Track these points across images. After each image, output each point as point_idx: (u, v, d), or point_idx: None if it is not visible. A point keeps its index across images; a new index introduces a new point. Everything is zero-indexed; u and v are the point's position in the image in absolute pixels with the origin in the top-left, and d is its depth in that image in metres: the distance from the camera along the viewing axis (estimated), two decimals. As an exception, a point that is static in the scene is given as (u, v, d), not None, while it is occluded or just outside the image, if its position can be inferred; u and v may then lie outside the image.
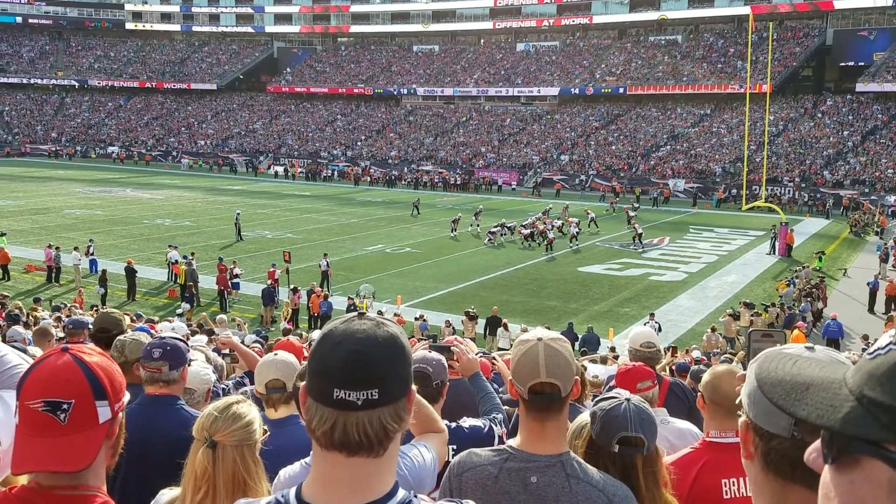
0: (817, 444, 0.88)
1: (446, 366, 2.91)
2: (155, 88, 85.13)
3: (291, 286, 22.31)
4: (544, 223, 34.65)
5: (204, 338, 9.48)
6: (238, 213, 33.82)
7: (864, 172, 49.15)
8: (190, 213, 40.73)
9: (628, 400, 2.23)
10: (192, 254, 25.27)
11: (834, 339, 18.90)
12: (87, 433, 1.54)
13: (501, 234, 33.76)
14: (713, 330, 18.88)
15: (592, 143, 61.72)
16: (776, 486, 1.09)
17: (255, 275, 25.38)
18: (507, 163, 61.37)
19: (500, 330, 19.28)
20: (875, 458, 0.78)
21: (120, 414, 1.65)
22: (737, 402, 1.15)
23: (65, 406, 1.52)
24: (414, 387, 1.31)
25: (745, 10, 59.96)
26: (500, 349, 16.38)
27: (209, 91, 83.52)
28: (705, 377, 2.91)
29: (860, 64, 59.82)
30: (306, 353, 4.56)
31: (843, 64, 62.33)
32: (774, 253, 31.79)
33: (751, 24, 45.64)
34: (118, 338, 3.62)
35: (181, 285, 23.59)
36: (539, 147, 62.76)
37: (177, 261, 24.90)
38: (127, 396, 1.68)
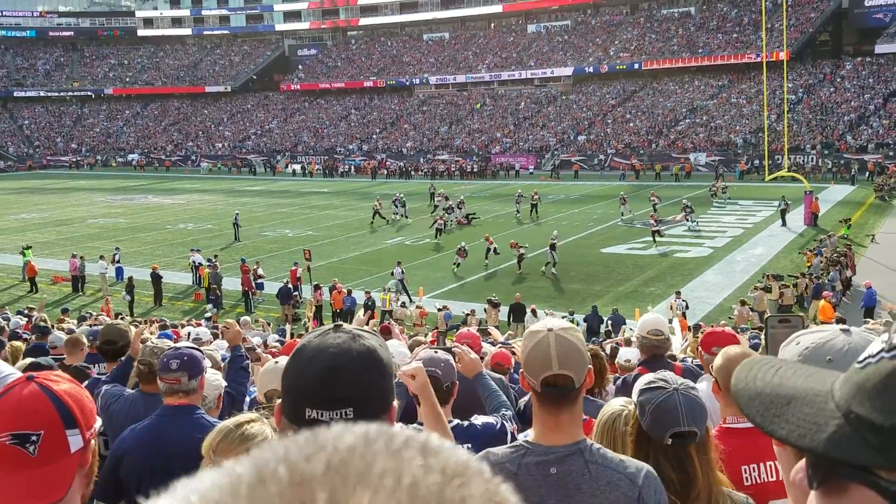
0: (802, 463, 0.77)
1: (454, 366, 2.88)
2: (170, 93, 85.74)
3: (314, 283, 22.39)
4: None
5: (225, 343, 9.50)
6: (237, 214, 33.77)
7: (888, 135, 48.19)
8: (211, 216, 41.02)
9: (677, 390, 2.17)
10: (216, 256, 25.46)
11: (871, 307, 18.62)
12: (59, 464, 1.47)
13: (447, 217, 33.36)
14: (742, 304, 18.65)
15: (610, 121, 61.11)
16: None
17: (277, 274, 25.51)
18: (524, 147, 60.97)
19: (528, 316, 19.18)
20: (864, 485, 0.65)
21: (92, 441, 1.56)
22: None
23: (34, 438, 1.45)
24: (395, 403, 1.23)
25: (758, -24, 58.88)
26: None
27: (224, 93, 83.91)
28: (717, 361, 2.82)
29: (879, 25, 58.51)
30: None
31: (860, 26, 61.00)
32: (785, 225, 30.94)
33: (764, -9, 44.79)
34: (156, 343, 3.55)
35: (206, 288, 23.80)
36: (555, 129, 62.27)
37: (201, 263, 25.11)
38: (98, 422, 1.59)
